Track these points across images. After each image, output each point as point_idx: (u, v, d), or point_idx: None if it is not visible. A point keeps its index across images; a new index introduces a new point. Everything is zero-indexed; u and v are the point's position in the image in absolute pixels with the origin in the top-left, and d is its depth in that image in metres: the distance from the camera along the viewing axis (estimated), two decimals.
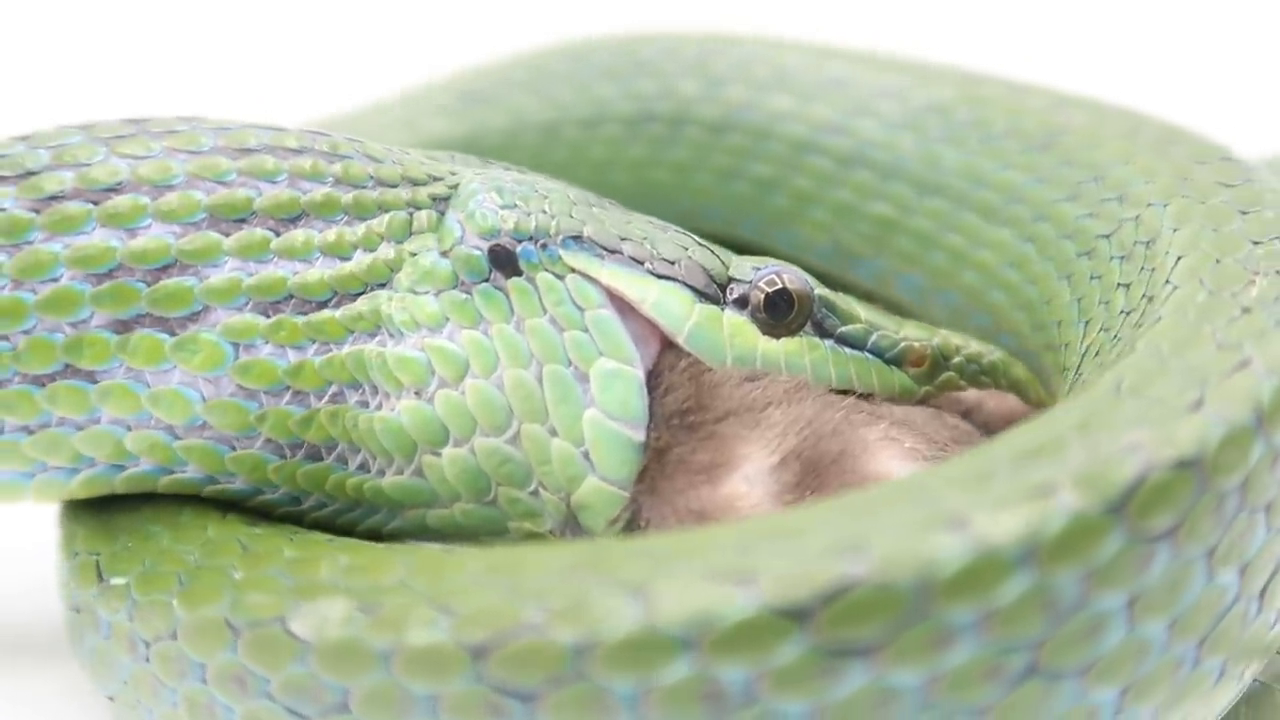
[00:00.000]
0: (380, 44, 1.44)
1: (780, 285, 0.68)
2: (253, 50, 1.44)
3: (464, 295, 0.66)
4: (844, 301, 0.69)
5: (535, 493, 0.65)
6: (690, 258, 0.68)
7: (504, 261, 0.66)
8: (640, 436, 0.65)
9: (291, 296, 0.65)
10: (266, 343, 0.65)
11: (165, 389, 0.65)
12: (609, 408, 0.65)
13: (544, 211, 0.67)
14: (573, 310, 0.66)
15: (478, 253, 0.66)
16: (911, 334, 0.70)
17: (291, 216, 0.66)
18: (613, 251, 0.67)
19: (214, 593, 0.60)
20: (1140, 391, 0.57)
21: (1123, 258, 0.68)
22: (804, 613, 0.51)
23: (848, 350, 0.69)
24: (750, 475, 0.64)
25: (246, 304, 0.65)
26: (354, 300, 0.66)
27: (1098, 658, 0.53)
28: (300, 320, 0.65)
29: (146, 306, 0.65)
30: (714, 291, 0.68)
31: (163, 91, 1.13)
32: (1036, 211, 0.75)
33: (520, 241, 0.66)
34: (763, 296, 0.68)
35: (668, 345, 0.67)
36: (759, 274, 0.68)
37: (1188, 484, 0.54)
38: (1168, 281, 0.63)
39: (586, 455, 0.64)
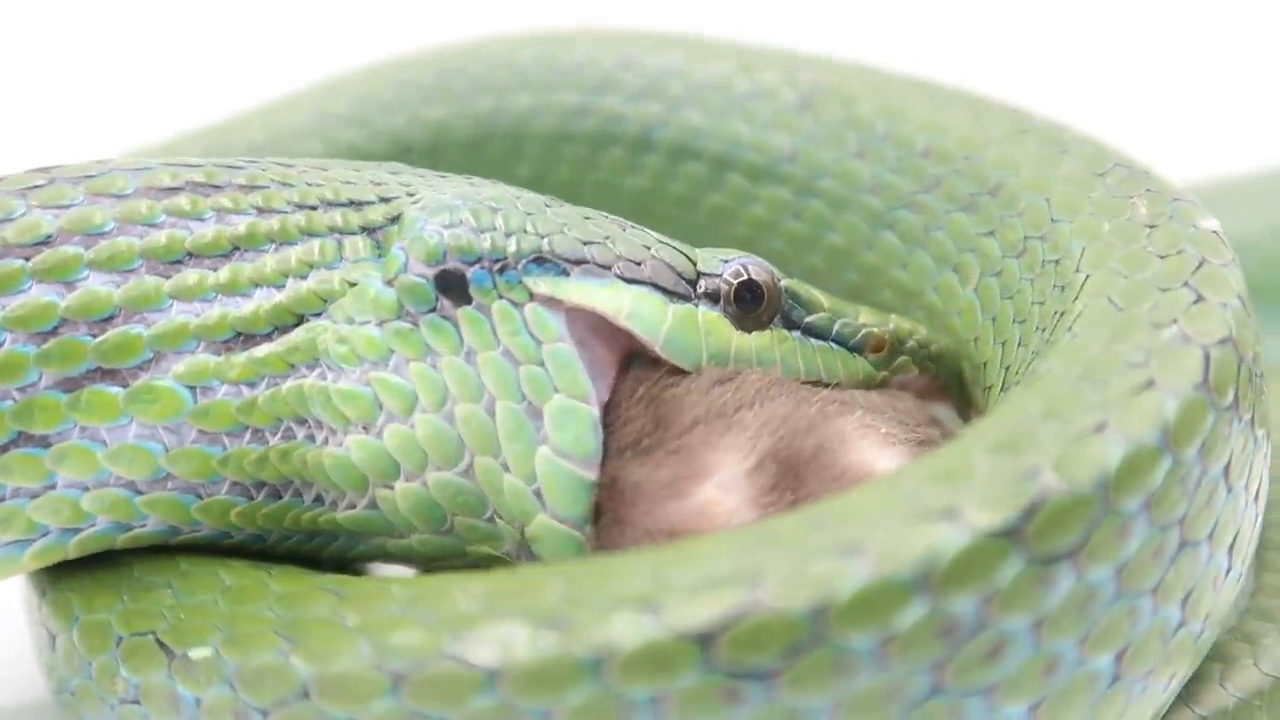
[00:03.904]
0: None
1: (746, 277, 0.68)
2: (82, 71, 1.36)
3: (409, 326, 0.64)
4: (806, 290, 0.70)
5: (491, 519, 0.64)
6: (655, 256, 0.67)
7: (453, 288, 0.64)
8: (593, 475, 0.64)
9: (238, 334, 0.64)
10: (221, 383, 0.63)
11: (123, 445, 0.63)
12: (562, 446, 0.64)
13: (496, 229, 0.65)
14: (528, 341, 0.64)
15: (422, 281, 0.64)
16: (869, 320, 0.71)
17: (223, 252, 0.64)
18: (577, 262, 0.65)
19: (340, 642, 0.57)
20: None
21: (1032, 280, 0.69)
22: (1015, 531, 0.54)
23: (814, 341, 0.69)
24: (724, 481, 0.63)
25: (198, 346, 0.63)
26: (289, 332, 0.64)
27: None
28: (245, 356, 0.64)
29: (95, 360, 0.62)
30: (683, 289, 0.67)
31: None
32: (927, 221, 0.76)
33: (471, 265, 0.64)
34: (730, 289, 0.68)
35: (626, 371, 0.66)
36: (727, 266, 0.68)
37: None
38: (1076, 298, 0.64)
39: (538, 493, 0.64)
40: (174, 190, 0.64)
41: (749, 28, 0.95)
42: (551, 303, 0.65)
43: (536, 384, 0.64)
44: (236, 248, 0.64)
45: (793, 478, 0.63)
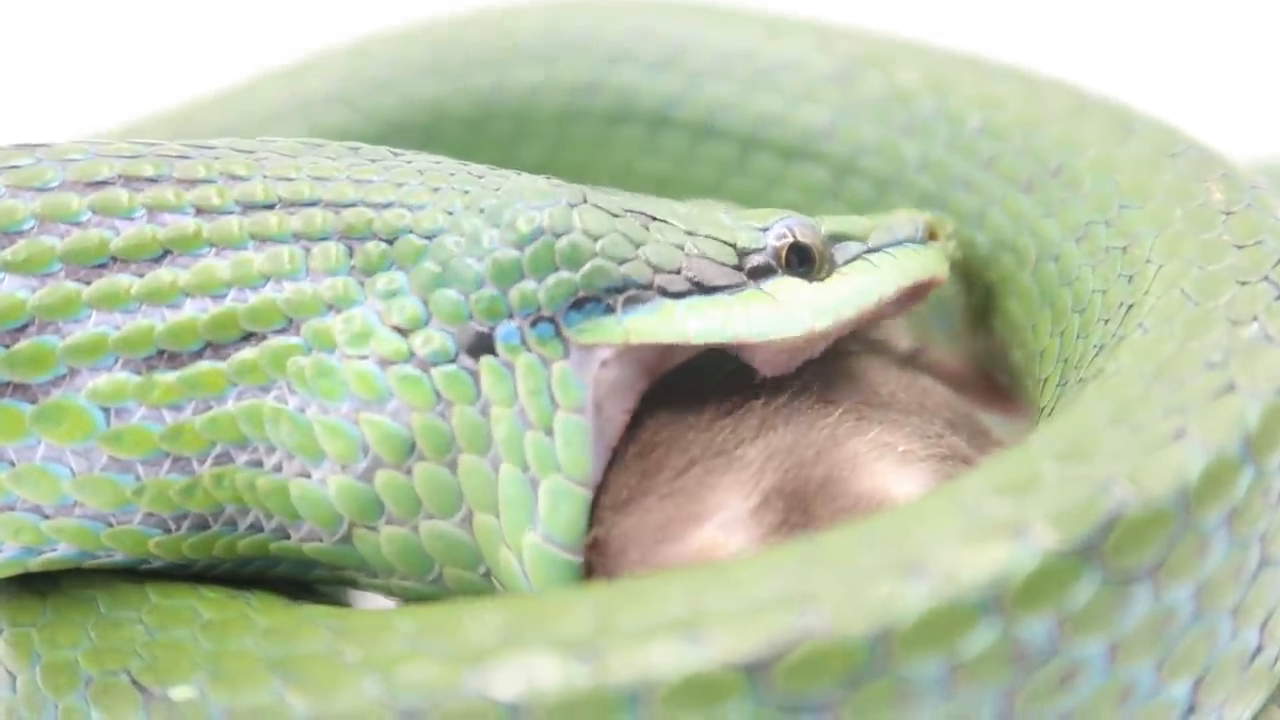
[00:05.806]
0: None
1: (793, 239, 0.63)
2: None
3: (417, 372, 0.58)
4: (846, 224, 0.65)
5: (486, 575, 0.60)
6: (690, 254, 0.61)
7: (477, 344, 0.59)
8: (579, 559, 0.59)
9: (162, 350, 0.58)
10: (140, 405, 0.58)
11: (29, 466, 0.58)
12: (553, 531, 0.58)
13: (524, 275, 0.59)
14: (545, 404, 0.59)
15: (445, 337, 0.59)
16: (912, 212, 0.68)
17: (153, 256, 0.59)
18: (619, 290, 0.60)
19: (342, 678, 0.52)
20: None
21: (1093, 266, 0.65)
22: (1089, 549, 0.50)
23: (892, 250, 0.65)
24: (725, 522, 0.59)
25: (115, 362, 0.58)
26: (230, 348, 0.58)
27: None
28: (174, 376, 0.58)
29: (5, 373, 0.58)
30: (731, 277, 0.62)
31: None
32: (983, 202, 0.72)
33: (499, 323, 0.59)
34: (780, 254, 0.62)
35: (632, 425, 0.61)
36: (767, 234, 0.63)
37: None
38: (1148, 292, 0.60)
39: (526, 574, 0.59)
40: (105, 183, 0.59)
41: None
42: (588, 353, 0.59)
43: (541, 454, 0.58)
44: (168, 251, 0.59)
45: (801, 513, 0.59)
